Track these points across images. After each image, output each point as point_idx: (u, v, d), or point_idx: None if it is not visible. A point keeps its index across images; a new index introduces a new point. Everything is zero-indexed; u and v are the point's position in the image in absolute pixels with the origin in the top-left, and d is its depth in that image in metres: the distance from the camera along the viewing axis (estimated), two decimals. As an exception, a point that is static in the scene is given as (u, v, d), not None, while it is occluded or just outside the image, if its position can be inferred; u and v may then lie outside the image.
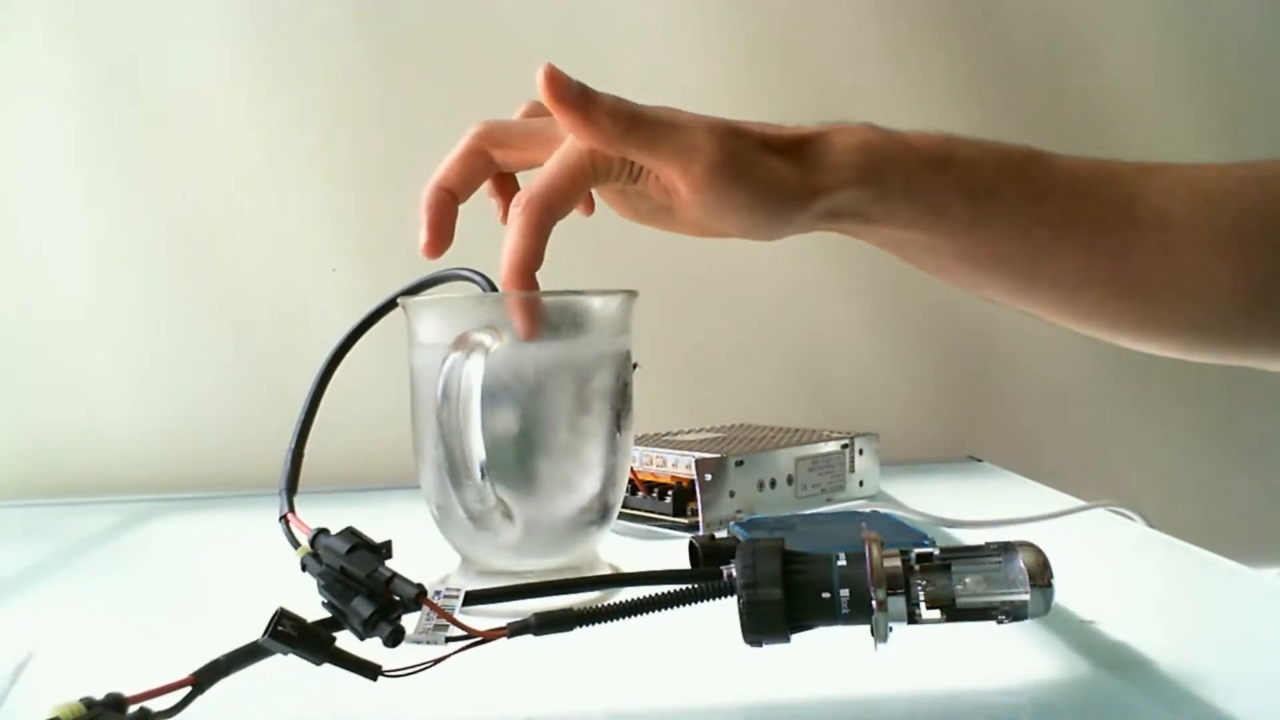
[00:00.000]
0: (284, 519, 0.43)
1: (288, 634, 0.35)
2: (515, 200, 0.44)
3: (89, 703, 0.32)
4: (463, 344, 0.44)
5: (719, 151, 0.42)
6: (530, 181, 0.45)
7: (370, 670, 0.36)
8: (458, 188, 0.47)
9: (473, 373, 0.44)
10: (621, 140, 0.42)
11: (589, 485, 0.50)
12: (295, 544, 0.41)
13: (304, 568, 0.40)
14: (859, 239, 0.47)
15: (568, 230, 0.58)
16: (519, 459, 0.48)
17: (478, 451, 0.44)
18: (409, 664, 0.35)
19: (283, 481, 0.45)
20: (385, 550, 0.39)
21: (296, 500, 0.45)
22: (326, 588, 0.38)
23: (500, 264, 0.44)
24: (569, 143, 0.44)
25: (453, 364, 0.44)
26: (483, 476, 0.44)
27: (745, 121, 0.44)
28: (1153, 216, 0.44)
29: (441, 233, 0.47)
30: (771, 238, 0.45)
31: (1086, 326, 0.49)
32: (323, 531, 0.40)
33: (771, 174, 0.43)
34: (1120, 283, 0.45)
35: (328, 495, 0.46)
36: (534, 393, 0.48)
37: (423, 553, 0.48)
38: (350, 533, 0.39)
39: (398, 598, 0.37)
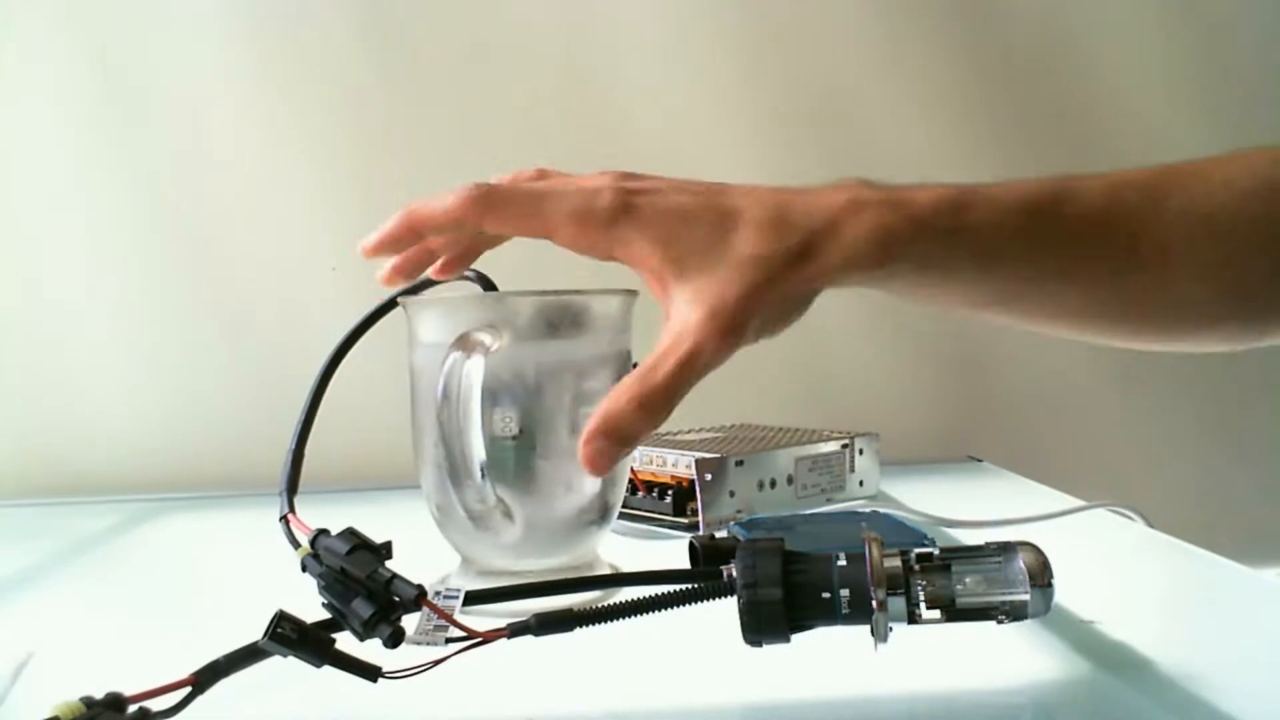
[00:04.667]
0: (284, 519, 0.43)
1: (287, 636, 0.35)
2: (476, 184, 0.42)
3: (89, 702, 0.32)
4: (463, 344, 0.44)
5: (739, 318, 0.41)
6: (503, 182, 0.43)
7: (370, 672, 0.36)
8: (436, 236, 0.46)
9: (473, 373, 0.44)
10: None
11: (589, 485, 0.50)
12: (296, 545, 0.41)
13: (304, 568, 0.40)
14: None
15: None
16: (519, 459, 0.48)
17: (478, 451, 0.44)
18: (409, 665, 0.35)
19: (283, 482, 0.45)
20: (385, 551, 0.39)
21: (297, 500, 0.45)
22: (326, 588, 0.38)
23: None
24: (556, 194, 0.42)
25: (453, 364, 0.44)
26: (483, 476, 0.44)
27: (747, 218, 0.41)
28: (1154, 253, 0.44)
29: (407, 271, 0.46)
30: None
31: (1082, 339, 0.50)
32: (323, 532, 0.40)
33: (788, 310, 0.42)
34: (1118, 311, 0.47)
35: (328, 495, 0.46)
36: (534, 392, 0.48)
37: (423, 553, 0.48)
38: (350, 533, 0.39)
39: (398, 599, 0.37)
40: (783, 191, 0.42)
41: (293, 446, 0.48)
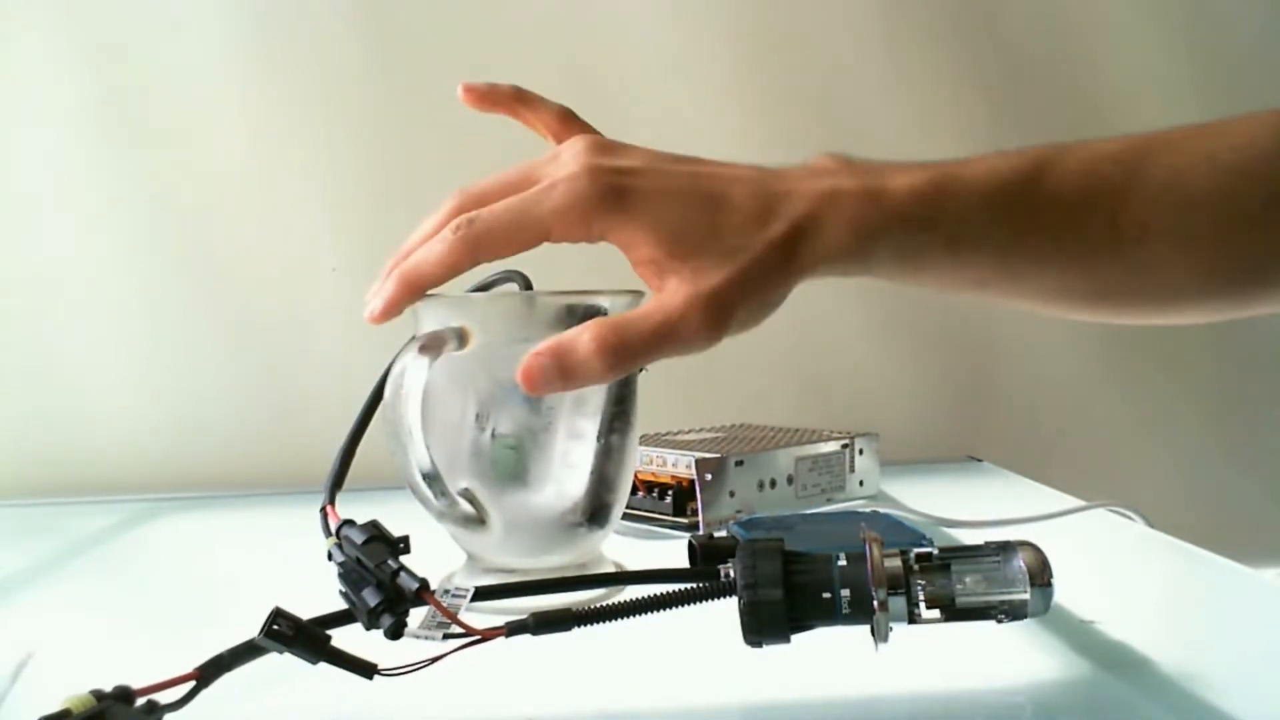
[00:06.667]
0: (323, 510, 0.44)
1: (282, 633, 0.35)
2: (457, 223, 0.41)
3: (99, 694, 0.33)
4: (417, 345, 0.44)
5: (715, 316, 0.40)
6: (482, 209, 0.42)
7: (366, 669, 0.36)
8: (438, 286, 0.44)
9: (415, 374, 0.43)
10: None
11: (576, 487, 0.49)
12: (328, 533, 0.42)
13: (330, 556, 0.40)
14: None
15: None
16: (505, 460, 0.48)
17: (419, 455, 0.43)
18: (405, 663, 0.35)
19: (329, 478, 0.46)
20: (402, 545, 0.39)
21: (344, 496, 0.46)
22: (344, 576, 0.39)
23: (408, 258, 0.43)
24: (536, 198, 0.41)
25: (400, 366, 0.43)
26: (430, 479, 0.44)
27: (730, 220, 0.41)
28: (1134, 232, 0.44)
29: (397, 314, 0.44)
30: None
31: (1060, 316, 0.50)
32: (348, 522, 0.40)
33: (767, 304, 0.42)
34: (1096, 292, 0.47)
35: (367, 493, 0.46)
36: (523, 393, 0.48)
37: (444, 551, 0.49)
38: (371, 525, 0.40)
39: (404, 591, 0.37)
40: (765, 177, 0.42)
41: (344, 446, 0.48)
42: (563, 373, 0.39)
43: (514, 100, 0.50)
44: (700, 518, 0.62)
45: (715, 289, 0.40)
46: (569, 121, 0.49)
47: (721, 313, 0.40)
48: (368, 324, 0.47)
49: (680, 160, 0.43)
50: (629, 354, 0.39)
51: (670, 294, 0.40)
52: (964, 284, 0.46)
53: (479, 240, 0.41)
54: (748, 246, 0.40)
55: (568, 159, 0.41)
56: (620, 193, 0.40)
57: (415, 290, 0.43)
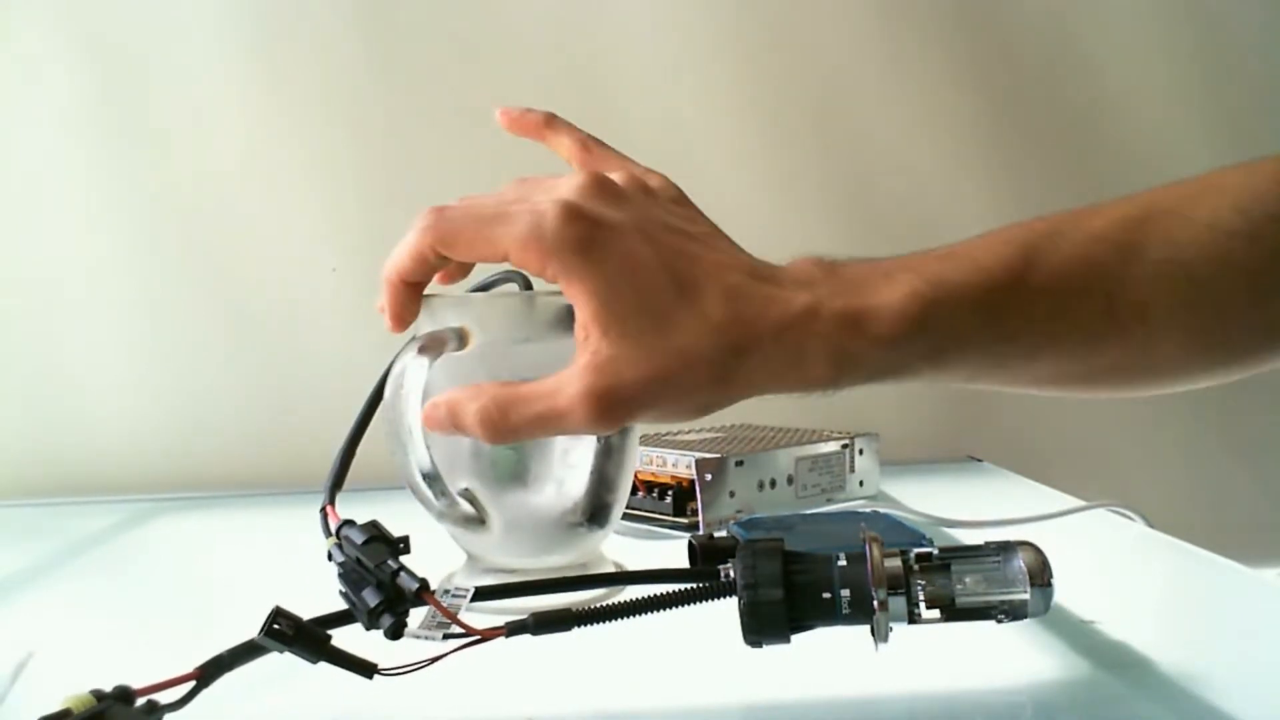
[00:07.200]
0: (323, 510, 0.44)
1: (282, 632, 0.35)
2: (427, 211, 0.40)
3: (99, 694, 0.33)
4: (417, 345, 0.44)
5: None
6: (457, 206, 0.41)
7: (366, 669, 0.36)
8: (417, 279, 0.43)
9: (414, 374, 0.43)
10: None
11: (576, 487, 0.50)
12: (328, 533, 0.42)
13: (329, 556, 0.40)
14: None
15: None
16: (504, 460, 0.48)
17: (419, 455, 0.43)
18: (405, 663, 0.35)
19: (329, 478, 0.47)
20: (403, 545, 0.39)
21: (344, 496, 0.46)
22: (344, 576, 0.39)
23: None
24: (504, 218, 0.38)
25: (399, 366, 0.44)
26: (430, 479, 0.44)
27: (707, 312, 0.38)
28: (1132, 314, 0.42)
29: (405, 318, 0.44)
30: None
31: (1057, 396, 0.49)
32: (348, 523, 0.40)
33: (686, 404, 0.39)
34: (1094, 373, 0.45)
35: (367, 493, 0.46)
36: None
37: (446, 552, 0.49)
38: (371, 525, 0.40)
39: (404, 591, 0.37)
40: (750, 279, 0.39)
41: (344, 446, 0.48)
42: (456, 429, 0.40)
43: (543, 126, 0.49)
44: (700, 518, 0.62)
45: (616, 386, 0.37)
46: (590, 150, 0.47)
47: (613, 414, 0.37)
48: (367, 324, 0.47)
49: (676, 232, 0.40)
50: (510, 433, 0.39)
51: (569, 378, 0.37)
52: (949, 380, 0.44)
53: (440, 234, 0.40)
54: (685, 349, 0.37)
55: (560, 191, 0.39)
56: (585, 244, 0.37)
57: (395, 286, 0.42)
